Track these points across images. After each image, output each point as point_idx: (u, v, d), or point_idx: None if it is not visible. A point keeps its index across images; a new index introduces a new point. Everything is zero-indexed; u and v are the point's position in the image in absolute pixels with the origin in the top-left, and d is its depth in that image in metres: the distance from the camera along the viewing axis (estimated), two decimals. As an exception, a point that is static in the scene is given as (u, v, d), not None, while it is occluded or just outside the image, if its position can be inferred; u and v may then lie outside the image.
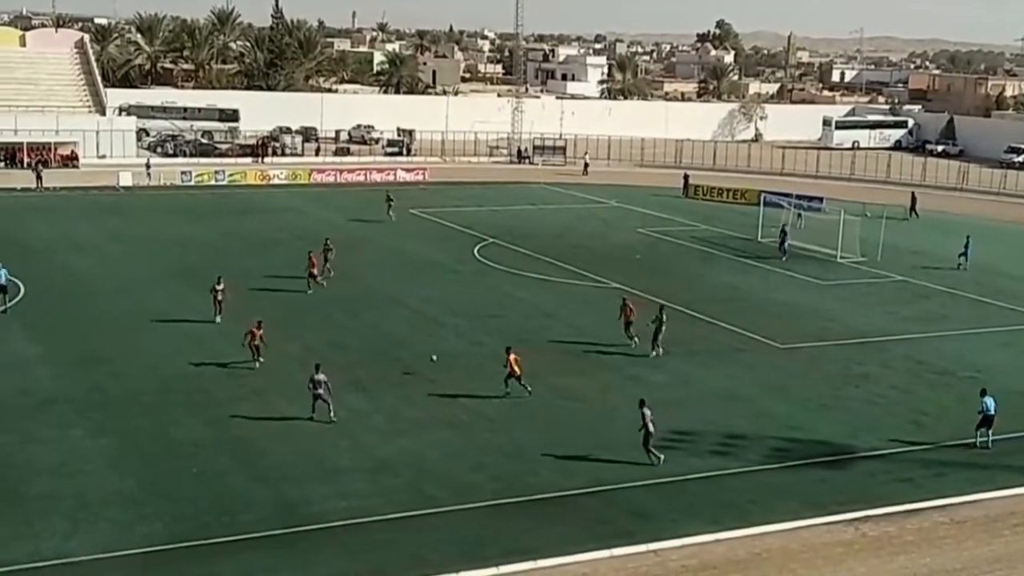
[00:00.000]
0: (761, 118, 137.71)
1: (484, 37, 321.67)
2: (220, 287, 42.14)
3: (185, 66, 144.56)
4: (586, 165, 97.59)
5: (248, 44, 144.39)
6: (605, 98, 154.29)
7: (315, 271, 48.19)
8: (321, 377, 32.30)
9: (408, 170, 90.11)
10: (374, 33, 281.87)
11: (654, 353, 40.22)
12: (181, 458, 29.37)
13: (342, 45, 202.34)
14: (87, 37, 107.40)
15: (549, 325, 43.66)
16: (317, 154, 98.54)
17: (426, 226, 67.54)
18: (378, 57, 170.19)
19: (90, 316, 42.98)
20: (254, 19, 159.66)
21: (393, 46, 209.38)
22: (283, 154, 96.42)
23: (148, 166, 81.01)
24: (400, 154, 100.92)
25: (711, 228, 69.89)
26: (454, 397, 34.95)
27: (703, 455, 31.18)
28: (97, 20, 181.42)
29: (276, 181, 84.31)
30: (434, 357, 37.18)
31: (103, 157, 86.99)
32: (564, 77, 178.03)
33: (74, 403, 33.02)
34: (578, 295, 50.02)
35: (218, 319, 41.83)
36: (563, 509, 27.40)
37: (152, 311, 43.54)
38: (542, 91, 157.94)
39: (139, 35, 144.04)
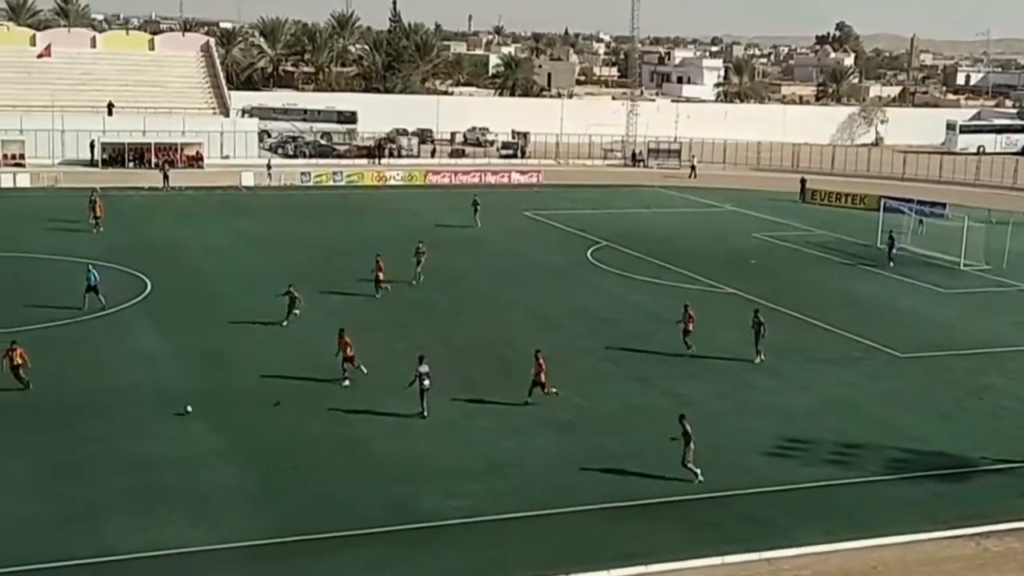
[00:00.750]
0: (882, 122, 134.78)
1: (599, 40, 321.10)
2: (295, 293, 42.12)
3: (305, 69, 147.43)
4: (693, 168, 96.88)
5: (367, 47, 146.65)
6: (721, 101, 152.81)
7: (382, 275, 47.16)
8: (424, 369, 32.72)
9: (522, 172, 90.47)
10: (490, 36, 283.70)
11: (758, 359, 39.71)
12: (298, 454, 29.94)
13: (458, 48, 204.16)
14: (213, 41, 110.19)
15: (661, 329, 43.38)
16: (433, 156, 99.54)
17: (540, 228, 67.71)
18: (494, 60, 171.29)
19: (213, 313, 44.03)
20: (373, 22, 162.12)
21: (509, 49, 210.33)
22: (399, 156, 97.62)
23: (269, 167, 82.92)
24: (514, 156, 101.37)
25: (829, 233, 68.64)
26: (564, 399, 34.97)
27: (818, 464, 30.66)
28: (222, 24, 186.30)
29: (392, 182, 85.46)
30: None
31: (226, 158, 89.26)
32: (679, 80, 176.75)
33: (195, 398, 33.87)
34: (691, 299, 49.49)
35: (284, 323, 41.77)
36: (674, 514, 27.21)
37: (272, 310, 44.41)
38: (657, 94, 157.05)
39: (262, 39, 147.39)
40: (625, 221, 70.70)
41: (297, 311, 41.74)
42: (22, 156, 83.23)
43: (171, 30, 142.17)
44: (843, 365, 40.29)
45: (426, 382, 32.69)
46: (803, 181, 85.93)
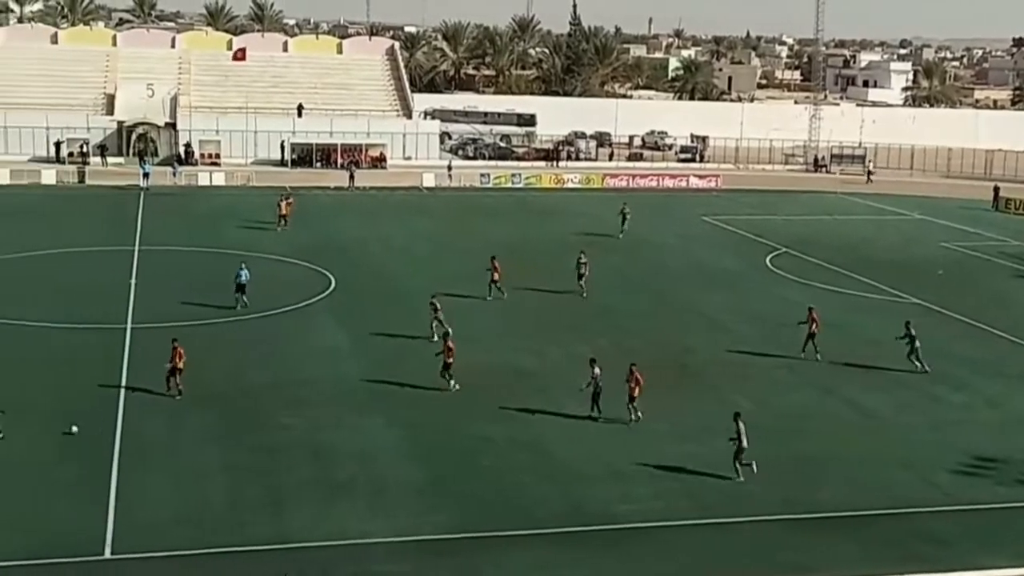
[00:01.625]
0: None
1: (782, 43, 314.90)
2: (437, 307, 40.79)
3: (486, 72, 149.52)
4: (869, 173, 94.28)
5: (546, 50, 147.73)
6: (909, 105, 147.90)
7: (498, 276, 46.68)
8: (597, 371, 32.86)
9: (700, 177, 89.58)
10: (670, 39, 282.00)
11: (920, 367, 38.47)
12: (471, 452, 30.40)
13: (638, 51, 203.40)
14: (397, 45, 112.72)
15: (842, 339, 42.31)
16: (610, 159, 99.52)
17: (718, 233, 66.96)
18: (673, 63, 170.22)
19: (393, 311, 45.09)
20: (553, 26, 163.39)
21: (689, 52, 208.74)
22: (577, 158, 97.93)
23: (450, 168, 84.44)
24: (693, 160, 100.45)
25: (1024, 244, 65.72)
26: (740, 406, 34.45)
27: (1009, 483, 29.40)
28: (407, 28, 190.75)
29: (570, 185, 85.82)
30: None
31: (408, 159, 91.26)
32: (865, 84, 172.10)
33: (375, 393, 34.79)
34: (873, 309, 48.22)
35: (434, 338, 39.66)
36: (850, 527, 26.56)
37: (449, 310, 45.22)
38: (841, 98, 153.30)
39: (444, 42, 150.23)
40: (805, 227, 69.20)
41: (442, 324, 39.46)
42: (218, 156, 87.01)
43: (358, 34, 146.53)
44: (1037, 382, 38.53)
45: (600, 384, 32.79)
46: (996, 189, 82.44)
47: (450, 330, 37.05)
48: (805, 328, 40.11)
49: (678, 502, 27.63)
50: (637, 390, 32.53)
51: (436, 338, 38.51)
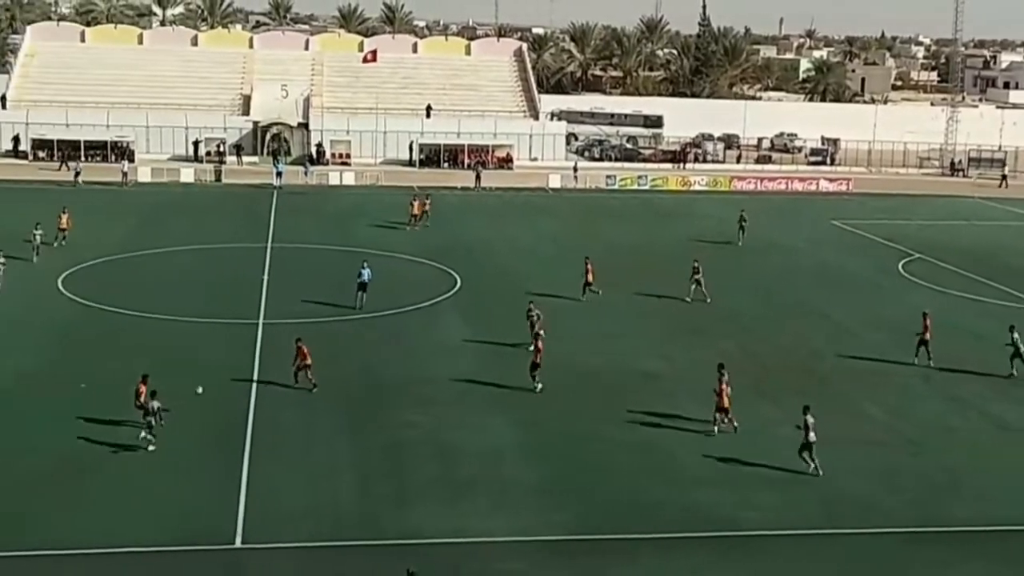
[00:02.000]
0: None
1: (918, 43, 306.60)
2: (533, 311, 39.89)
3: (613, 73, 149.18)
4: (1004, 178, 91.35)
5: (674, 51, 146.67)
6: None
7: (591, 278, 46.40)
8: (725, 377, 32.48)
9: (831, 180, 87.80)
10: (801, 39, 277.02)
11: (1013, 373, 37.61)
12: (593, 453, 30.34)
13: (768, 52, 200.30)
14: (525, 46, 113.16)
15: (979, 349, 41.07)
16: (738, 161, 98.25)
17: (848, 238, 65.61)
18: (804, 64, 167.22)
19: (517, 311, 45.24)
20: (681, 27, 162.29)
21: (820, 53, 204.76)
22: (704, 160, 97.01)
23: (575, 169, 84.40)
24: (823, 163, 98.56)
25: None
26: (870, 415, 33.77)
27: None
28: (535, 30, 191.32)
29: (696, 187, 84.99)
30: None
31: (534, 160, 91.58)
32: (1006, 85, 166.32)
33: (497, 393, 35.01)
34: (1011, 318, 46.54)
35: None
36: (985, 544, 25.78)
37: (574, 312, 45.29)
38: (980, 100, 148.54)
39: (572, 44, 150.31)
40: (941, 233, 67.29)
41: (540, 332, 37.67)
42: (348, 155, 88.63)
43: (487, 35, 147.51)
44: None
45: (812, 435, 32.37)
46: None
47: (542, 332, 36.73)
48: (919, 336, 39.20)
49: (804, 510, 27.18)
50: (726, 399, 31.55)
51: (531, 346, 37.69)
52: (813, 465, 28.91)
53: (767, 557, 24.91)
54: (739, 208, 64.44)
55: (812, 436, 28.89)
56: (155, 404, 29.42)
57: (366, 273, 44.34)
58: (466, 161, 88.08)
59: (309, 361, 33.95)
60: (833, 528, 26.30)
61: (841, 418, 33.09)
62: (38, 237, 50.47)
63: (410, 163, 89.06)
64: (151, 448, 29.04)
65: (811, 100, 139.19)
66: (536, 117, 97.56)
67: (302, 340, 34.47)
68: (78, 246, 52.62)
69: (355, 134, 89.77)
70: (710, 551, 25.10)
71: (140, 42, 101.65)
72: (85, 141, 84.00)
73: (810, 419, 29.03)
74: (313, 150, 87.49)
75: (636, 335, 42.16)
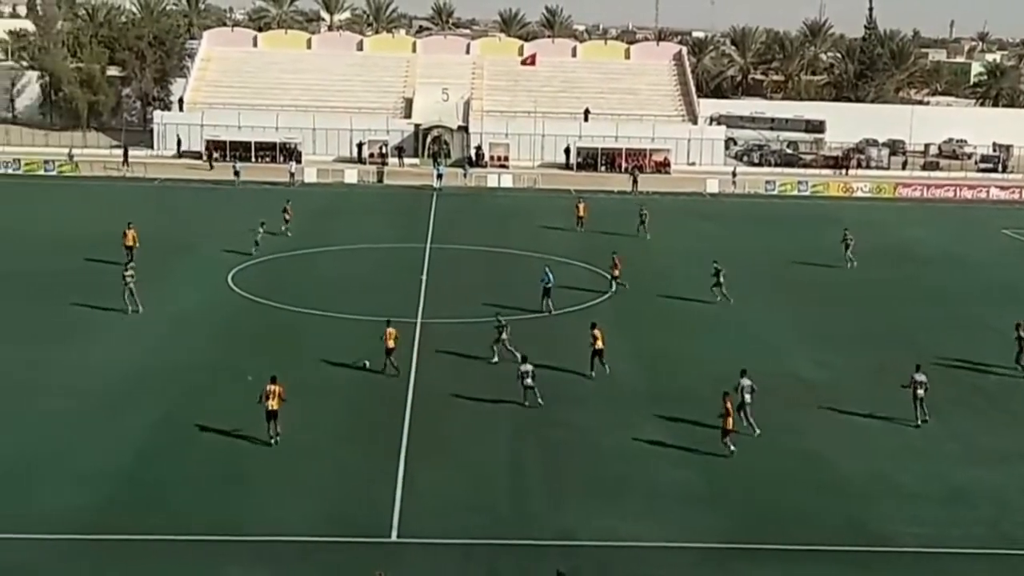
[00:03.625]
0: None
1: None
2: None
3: (775, 77, 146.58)
4: None
5: (838, 55, 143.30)
6: None
7: (617, 272, 48.06)
8: (921, 378, 32.09)
9: (1002, 188, 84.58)
10: (973, 42, 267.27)
11: None
12: (747, 459, 29.84)
13: (937, 55, 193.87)
14: (684, 50, 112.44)
15: None
16: (903, 168, 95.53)
17: (1021, 248, 63.22)
18: (976, 68, 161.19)
19: (671, 314, 45.19)
20: (846, 30, 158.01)
21: (993, 56, 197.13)
22: (867, 167, 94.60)
23: (734, 174, 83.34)
24: (994, 171, 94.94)
25: None
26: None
27: None
28: (695, 33, 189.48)
29: (859, 194, 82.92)
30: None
31: (692, 164, 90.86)
32: None
33: (650, 395, 34.91)
34: None
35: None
36: None
37: (723, 316, 44.77)
38: None
39: (733, 47, 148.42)
40: (1122, 245, 64.14)
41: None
42: (506, 158, 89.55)
43: (646, 39, 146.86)
44: None
45: (920, 391, 32.01)
46: None
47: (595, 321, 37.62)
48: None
49: (973, 529, 26.25)
50: (730, 421, 30.03)
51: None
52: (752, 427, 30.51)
53: (930, 574, 24.15)
54: (842, 227, 58.27)
55: (748, 398, 30.80)
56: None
57: (548, 277, 44.90)
58: (623, 165, 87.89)
59: (392, 345, 35.36)
60: (1003, 547, 25.33)
61: (1007, 433, 31.95)
62: (261, 231, 53.81)
63: (567, 166, 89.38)
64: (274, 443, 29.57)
65: (982, 105, 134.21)
66: (695, 121, 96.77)
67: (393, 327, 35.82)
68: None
69: (513, 137, 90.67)
70: (871, 567, 24.48)
71: (309, 47, 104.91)
72: (256, 142, 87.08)
73: (745, 382, 30.97)
74: (472, 152, 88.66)
75: (795, 341, 41.36)
